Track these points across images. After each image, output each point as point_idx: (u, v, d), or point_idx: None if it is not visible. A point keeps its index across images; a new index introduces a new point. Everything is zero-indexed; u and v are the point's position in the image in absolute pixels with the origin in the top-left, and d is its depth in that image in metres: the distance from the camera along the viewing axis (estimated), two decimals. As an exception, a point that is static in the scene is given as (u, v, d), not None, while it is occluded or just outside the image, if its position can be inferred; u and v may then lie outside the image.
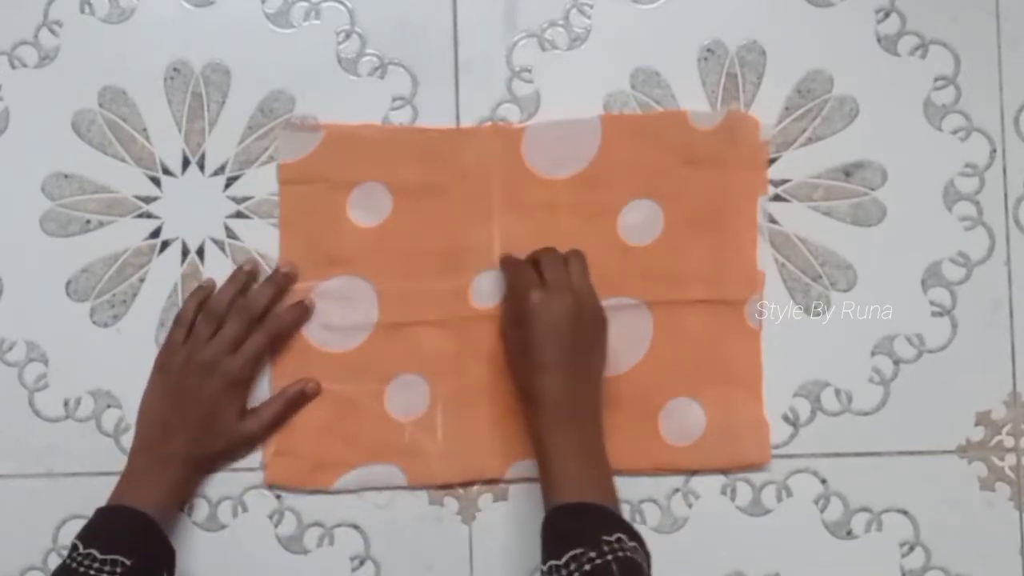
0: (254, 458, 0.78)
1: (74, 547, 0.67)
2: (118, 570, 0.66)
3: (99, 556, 0.66)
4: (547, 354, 0.69)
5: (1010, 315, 0.79)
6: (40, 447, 0.79)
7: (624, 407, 0.77)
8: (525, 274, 0.72)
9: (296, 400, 0.76)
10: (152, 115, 0.80)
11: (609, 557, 0.61)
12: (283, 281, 0.77)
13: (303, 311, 0.77)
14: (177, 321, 0.76)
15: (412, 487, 0.78)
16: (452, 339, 0.78)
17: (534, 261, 0.74)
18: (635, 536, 0.64)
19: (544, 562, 0.63)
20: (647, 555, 0.64)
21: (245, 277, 0.77)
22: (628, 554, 0.61)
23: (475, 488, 0.78)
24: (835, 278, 0.79)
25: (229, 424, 0.75)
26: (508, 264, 0.75)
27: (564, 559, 0.61)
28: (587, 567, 0.60)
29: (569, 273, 0.72)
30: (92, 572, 0.65)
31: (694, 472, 0.78)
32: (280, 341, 0.76)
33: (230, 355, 0.74)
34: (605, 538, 0.62)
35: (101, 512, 0.70)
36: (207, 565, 0.76)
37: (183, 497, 0.76)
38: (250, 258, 0.78)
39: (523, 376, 0.71)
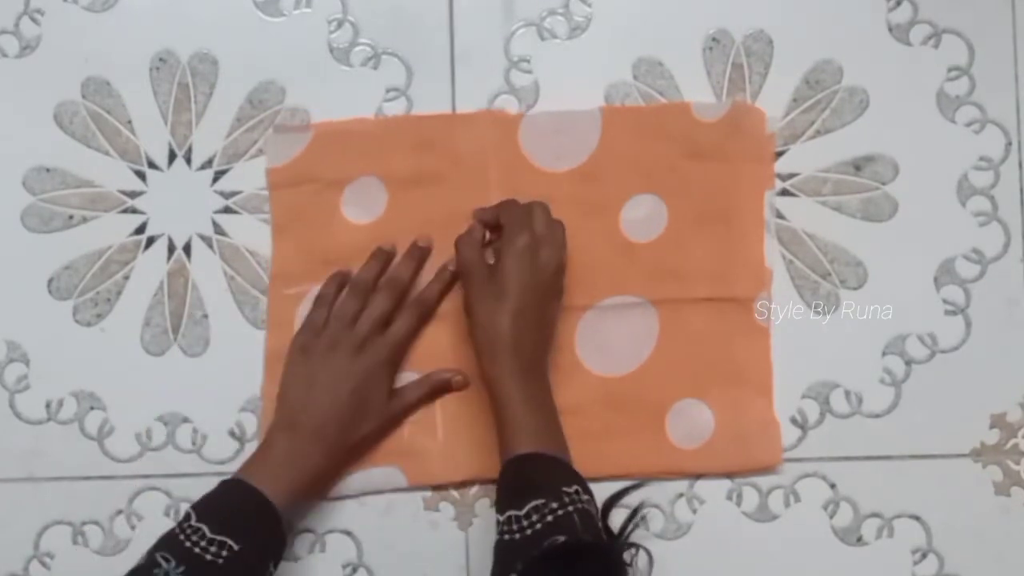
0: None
1: (187, 516, 0.66)
2: (224, 553, 0.65)
3: (208, 534, 0.65)
4: (518, 300, 0.70)
5: None
6: (21, 450, 0.78)
7: (630, 409, 0.78)
8: (520, 215, 0.73)
9: (441, 387, 0.76)
10: (137, 106, 0.80)
11: (570, 508, 0.62)
12: (422, 255, 0.77)
13: (449, 281, 0.77)
14: (318, 303, 0.76)
15: (412, 488, 0.77)
16: (451, 334, 0.78)
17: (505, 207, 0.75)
18: (588, 490, 0.65)
19: (502, 512, 0.64)
20: (598, 509, 0.66)
21: (386, 256, 0.77)
22: (585, 506, 0.63)
23: (472, 492, 0.77)
24: (845, 275, 0.79)
25: (380, 405, 0.74)
26: (507, 203, 0.75)
27: (525, 509, 0.62)
28: (549, 518, 0.61)
29: (543, 225, 0.73)
30: (197, 549, 0.64)
31: (700, 475, 0.78)
32: (428, 317, 0.77)
33: (380, 333, 0.74)
34: (565, 489, 0.63)
35: (226, 486, 0.69)
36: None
37: (319, 487, 0.74)
38: (391, 243, 0.77)
39: (486, 317, 0.71)
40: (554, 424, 0.70)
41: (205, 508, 0.67)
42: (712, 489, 0.78)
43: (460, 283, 0.76)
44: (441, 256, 0.79)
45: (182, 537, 0.65)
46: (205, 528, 0.65)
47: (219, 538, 0.65)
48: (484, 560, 0.74)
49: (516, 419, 0.68)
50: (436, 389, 0.77)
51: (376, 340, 0.75)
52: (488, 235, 0.76)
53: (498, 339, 0.70)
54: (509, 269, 0.71)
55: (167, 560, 0.63)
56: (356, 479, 0.75)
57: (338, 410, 0.73)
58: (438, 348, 0.78)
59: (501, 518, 0.64)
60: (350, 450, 0.75)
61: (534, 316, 0.72)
